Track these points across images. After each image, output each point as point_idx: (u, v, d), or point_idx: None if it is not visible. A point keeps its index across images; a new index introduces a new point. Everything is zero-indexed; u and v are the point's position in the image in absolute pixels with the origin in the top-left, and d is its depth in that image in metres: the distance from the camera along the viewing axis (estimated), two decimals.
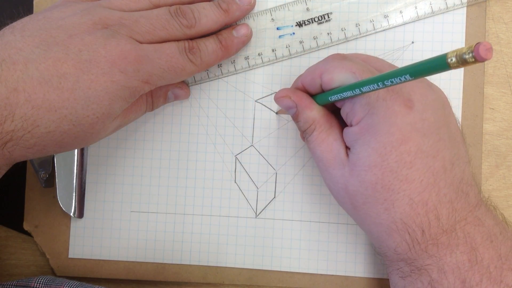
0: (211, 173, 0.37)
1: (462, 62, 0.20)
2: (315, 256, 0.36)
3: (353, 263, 0.35)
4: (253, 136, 0.36)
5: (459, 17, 0.35)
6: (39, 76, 0.27)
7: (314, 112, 0.31)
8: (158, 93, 0.35)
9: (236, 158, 0.36)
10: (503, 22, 0.35)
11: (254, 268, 0.36)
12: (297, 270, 0.36)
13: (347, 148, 0.30)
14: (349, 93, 0.28)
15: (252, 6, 0.35)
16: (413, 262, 0.29)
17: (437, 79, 0.35)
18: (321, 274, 0.36)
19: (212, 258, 0.36)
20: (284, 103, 0.32)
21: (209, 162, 0.37)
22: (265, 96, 0.36)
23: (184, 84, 0.36)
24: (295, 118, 0.32)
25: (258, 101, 0.36)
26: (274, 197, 0.36)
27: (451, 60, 0.20)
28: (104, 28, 0.29)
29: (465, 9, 0.35)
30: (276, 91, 0.36)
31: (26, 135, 0.27)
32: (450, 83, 0.35)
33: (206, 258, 0.36)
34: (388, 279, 0.35)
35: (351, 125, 0.29)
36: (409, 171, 0.28)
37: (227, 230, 0.36)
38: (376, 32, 0.35)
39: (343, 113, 0.30)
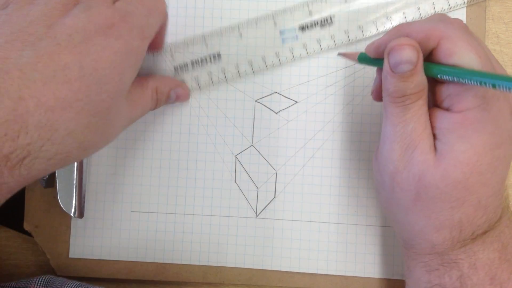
0: (211, 173, 0.37)
1: None
2: (315, 256, 0.36)
3: (353, 263, 0.35)
4: (253, 136, 0.36)
5: (459, 17, 0.35)
6: (41, 77, 0.24)
7: (425, 76, 0.27)
8: (162, 90, 0.34)
9: (236, 158, 0.36)
10: (503, 22, 0.35)
11: (254, 268, 0.36)
12: (297, 270, 0.36)
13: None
14: (474, 82, 0.24)
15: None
16: (446, 255, 0.28)
17: None
18: (321, 274, 0.36)
19: (212, 258, 0.36)
20: (407, 54, 0.26)
21: (209, 162, 0.37)
22: (265, 96, 0.36)
23: (185, 85, 0.36)
24: (407, 77, 0.26)
25: (258, 101, 0.36)
26: (274, 197, 0.36)
27: None
28: (75, 4, 0.27)
29: (465, 9, 0.35)
30: (277, 91, 0.36)
31: (46, 144, 0.24)
32: None
33: (206, 258, 0.37)
34: (388, 279, 0.35)
35: (448, 109, 0.27)
36: (491, 176, 0.27)
37: (227, 230, 0.36)
38: (378, 34, 0.35)
39: (443, 92, 0.27)
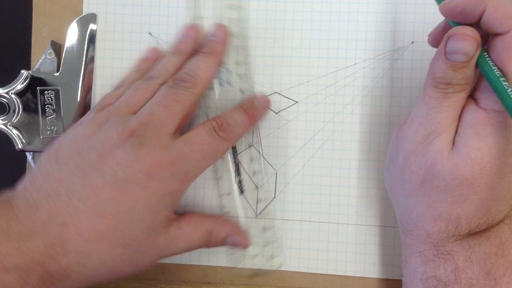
0: (211, 173, 0.37)
1: None
2: (315, 256, 0.36)
3: (353, 263, 0.35)
4: (253, 136, 0.36)
5: None
6: (84, 208, 0.28)
7: (474, 70, 0.26)
8: (217, 234, 0.33)
9: (236, 158, 0.36)
10: None
11: (254, 268, 0.36)
12: (297, 270, 0.36)
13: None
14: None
15: (228, 34, 0.35)
16: (441, 246, 0.28)
17: None
18: (321, 274, 0.36)
19: (212, 258, 0.36)
20: (467, 45, 0.25)
21: None
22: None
23: (246, 234, 0.35)
24: (457, 68, 0.26)
25: None
26: (274, 197, 0.36)
27: None
28: (130, 137, 0.29)
29: None
30: (277, 91, 0.36)
31: (81, 269, 0.28)
32: None
33: (206, 258, 0.37)
34: (388, 279, 0.35)
35: (476, 101, 0.27)
36: (499, 181, 0.27)
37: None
38: (376, 31, 0.35)
39: (482, 81, 0.26)
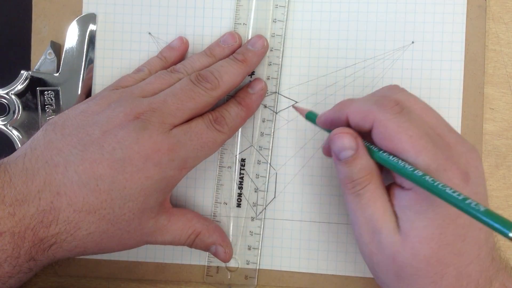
0: (211, 173, 0.37)
1: None
2: (315, 256, 0.36)
3: (353, 263, 0.36)
4: (253, 136, 0.36)
5: (459, 17, 0.35)
6: (78, 180, 0.28)
7: (371, 160, 0.28)
8: (204, 239, 0.33)
9: (236, 158, 0.36)
10: (503, 22, 0.35)
11: (254, 268, 0.36)
12: (297, 270, 0.36)
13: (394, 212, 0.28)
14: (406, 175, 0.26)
15: (266, 48, 0.35)
16: None
17: (437, 79, 0.35)
18: (321, 274, 0.36)
19: (212, 258, 0.36)
20: (346, 141, 0.28)
21: (209, 162, 0.37)
22: (265, 96, 0.36)
23: (230, 247, 0.35)
24: (350, 162, 0.28)
25: None
26: (274, 197, 0.36)
27: None
28: (135, 119, 0.29)
29: (465, 9, 0.35)
30: (277, 91, 0.36)
31: (69, 237, 0.29)
32: (450, 83, 0.35)
33: (206, 258, 0.37)
34: None
35: (401, 187, 0.27)
36: (462, 244, 0.27)
37: (227, 230, 0.36)
38: (376, 31, 0.35)
39: None
